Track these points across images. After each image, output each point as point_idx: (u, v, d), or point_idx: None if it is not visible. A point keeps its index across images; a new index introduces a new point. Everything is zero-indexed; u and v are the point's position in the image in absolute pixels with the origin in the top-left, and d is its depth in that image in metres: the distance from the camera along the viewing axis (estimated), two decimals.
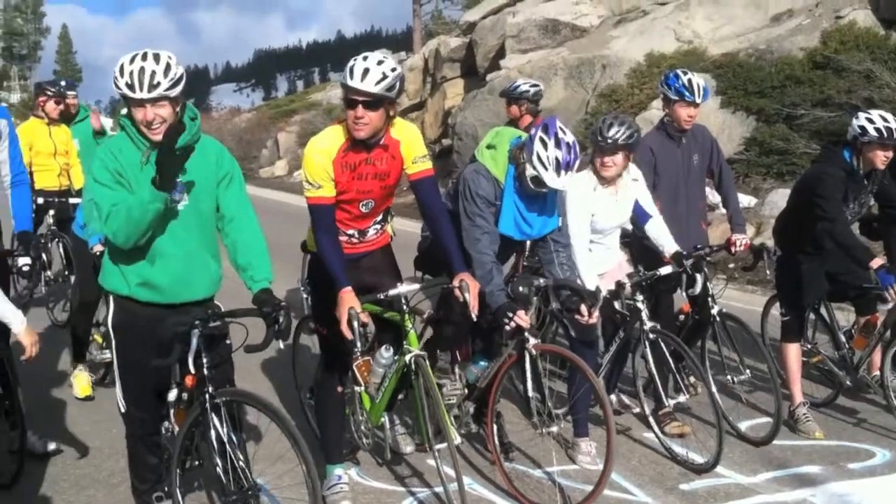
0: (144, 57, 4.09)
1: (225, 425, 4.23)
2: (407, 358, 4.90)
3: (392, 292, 4.91)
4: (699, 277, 5.86)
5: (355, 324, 4.66)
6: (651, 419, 5.92)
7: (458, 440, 4.93)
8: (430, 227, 5.20)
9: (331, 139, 4.83)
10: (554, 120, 5.24)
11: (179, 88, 4.15)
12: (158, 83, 4.06)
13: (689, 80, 6.28)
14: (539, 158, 5.03)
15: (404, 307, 4.94)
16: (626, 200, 5.90)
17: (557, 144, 5.03)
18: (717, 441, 5.44)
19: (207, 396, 4.24)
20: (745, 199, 14.36)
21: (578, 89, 19.27)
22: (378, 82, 4.56)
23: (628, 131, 5.63)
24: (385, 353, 5.06)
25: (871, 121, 5.80)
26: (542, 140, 5.05)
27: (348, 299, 4.68)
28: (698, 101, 6.28)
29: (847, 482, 5.37)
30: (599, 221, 5.83)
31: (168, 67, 4.09)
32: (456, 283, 4.88)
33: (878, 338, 6.21)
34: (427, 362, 4.93)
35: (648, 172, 6.17)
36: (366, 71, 4.57)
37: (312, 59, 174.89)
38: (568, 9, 22.03)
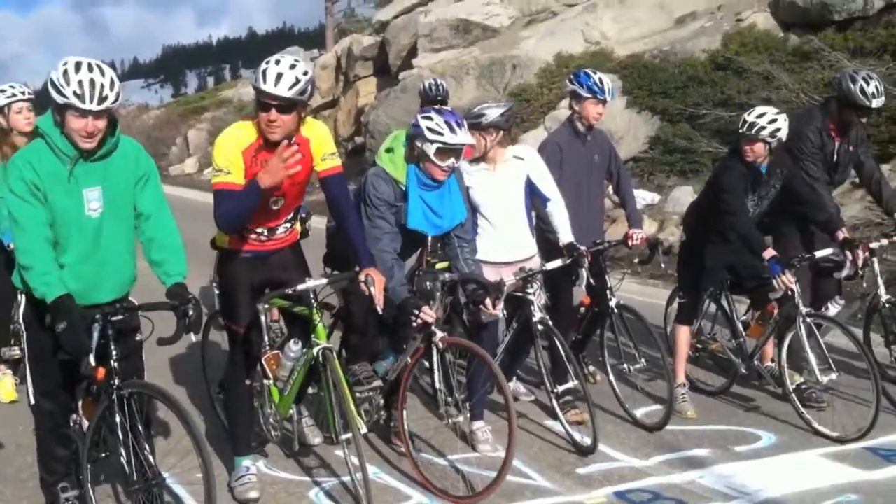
0: (90, 68, 4.15)
1: (130, 416, 4.31)
2: (315, 351, 5.04)
3: (300, 287, 5.04)
4: (581, 272, 6.05)
5: (262, 319, 4.78)
6: (555, 404, 6.11)
7: (364, 430, 5.09)
8: (338, 224, 5.33)
9: (243, 133, 4.91)
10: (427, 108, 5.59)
11: (119, 101, 4.26)
12: (107, 96, 4.16)
13: (600, 79, 6.53)
14: (432, 130, 5.27)
15: (312, 301, 5.08)
16: (507, 177, 6.03)
17: (440, 113, 5.37)
18: (592, 426, 5.75)
19: (114, 388, 4.31)
20: (649, 196, 14.77)
21: (490, 88, 19.51)
22: (291, 87, 4.68)
23: (472, 113, 5.95)
24: (293, 347, 5.20)
25: (748, 115, 6.21)
26: (425, 118, 5.34)
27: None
28: (609, 98, 6.55)
29: (733, 464, 5.64)
30: (476, 196, 5.99)
31: (112, 82, 4.19)
32: (362, 277, 5.02)
33: (772, 327, 6.51)
34: (335, 355, 5.07)
35: (555, 168, 6.34)
36: (279, 76, 4.67)
37: (223, 55, 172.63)
38: (478, 9, 22.28)
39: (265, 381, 5.38)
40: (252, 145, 4.86)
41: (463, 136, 5.33)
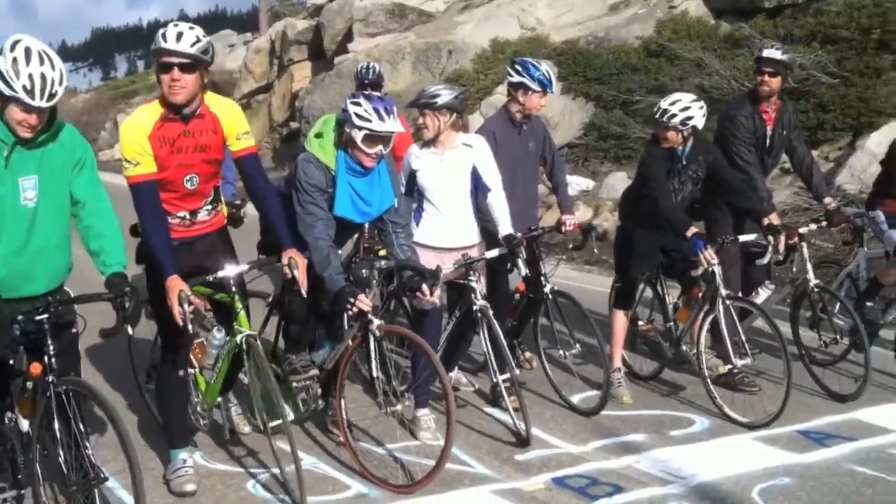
0: (41, 59, 4.00)
1: (69, 414, 4.19)
2: (238, 338, 5.01)
3: (221, 274, 5.00)
4: (519, 262, 5.99)
5: (186, 307, 4.70)
6: (503, 392, 6.02)
7: (291, 416, 5.03)
8: (256, 206, 5.28)
9: (145, 114, 4.86)
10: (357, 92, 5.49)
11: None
12: (56, 92, 4.02)
13: (547, 70, 6.55)
14: (360, 116, 5.20)
15: (233, 288, 5.02)
16: (454, 163, 6.01)
17: (368, 99, 5.29)
18: (524, 416, 5.77)
19: (51, 384, 4.19)
20: (584, 182, 14.88)
21: (426, 73, 19.47)
22: (193, 44, 4.68)
23: (426, 94, 5.94)
24: (217, 335, 5.18)
25: (663, 102, 6.28)
26: (353, 103, 5.26)
27: (176, 285, 4.73)
28: (553, 90, 6.60)
29: (669, 448, 5.72)
30: (423, 179, 6.01)
31: (62, 75, 4.07)
32: (284, 260, 5.02)
33: (698, 310, 6.58)
34: (258, 342, 5.02)
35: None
36: (180, 34, 4.69)
37: (153, 38, 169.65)
38: None
39: (191, 370, 5.36)
40: (157, 121, 4.81)
41: (391, 124, 5.25)
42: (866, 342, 6.42)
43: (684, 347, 6.70)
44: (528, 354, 7.20)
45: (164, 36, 4.69)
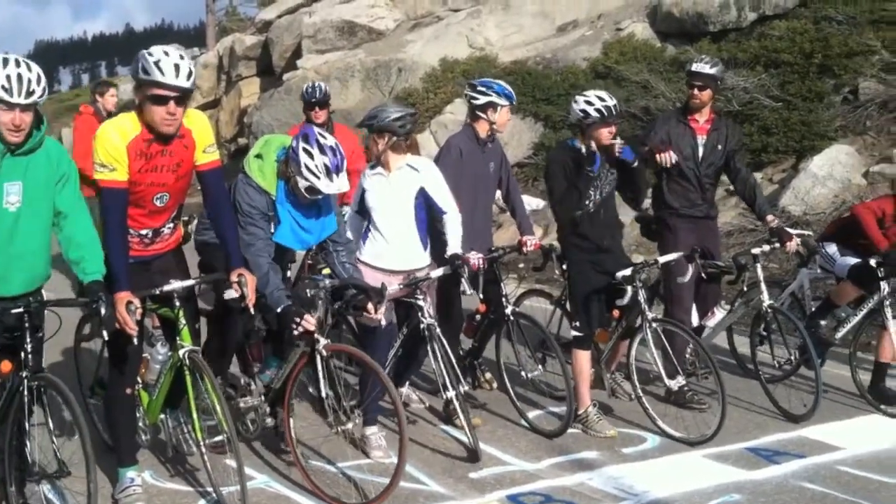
0: (18, 63, 4.25)
1: (41, 408, 4.39)
2: (180, 353, 4.98)
3: (167, 287, 4.95)
4: (463, 281, 5.93)
5: (135, 318, 4.68)
6: (458, 410, 5.95)
7: (232, 434, 4.92)
8: (212, 220, 5.22)
9: (127, 123, 4.78)
10: (312, 129, 5.36)
11: (45, 96, 4.37)
12: (34, 91, 4.24)
13: (505, 84, 6.63)
14: (308, 169, 5.11)
15: (176, 302, 4.98)
16: (399, 186, 5.98)
17: (322, 151, 5.14)
18: (472, 435, 5.77)
19: (24, 378, 4.40)
20: (535, 202, 14.92)
21: (375, 91, 19.48)
22: (189, 77, 4.63)
23: (368, 114, 5.99)
24: (161, 350, 5.15)
25: (589, 103, 6.15)
26: (305, 151, 5.13)
27: (125, 296, 4.68)
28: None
29: (621, 465, 5.76)
30: (370, 200, 6.02)
31: (39, 77, 4.29)
32: (234, 277, 4.96)
33: (618, 333, 6.57)
34: (200, 357, 4.99)
35: (454, 174, 6.29)
36: (177, 66, 4.60)
37: (99, 51, 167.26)
38: (364, 11, 22.19)
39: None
40: (137, 138, 4.74)
41: (338, 184, 5.17)
42: (816, 363, 6.52)
43: (595, 368, 6.67)
44: (488, 375, 7.18)
45: (160, 67, 4.56)
